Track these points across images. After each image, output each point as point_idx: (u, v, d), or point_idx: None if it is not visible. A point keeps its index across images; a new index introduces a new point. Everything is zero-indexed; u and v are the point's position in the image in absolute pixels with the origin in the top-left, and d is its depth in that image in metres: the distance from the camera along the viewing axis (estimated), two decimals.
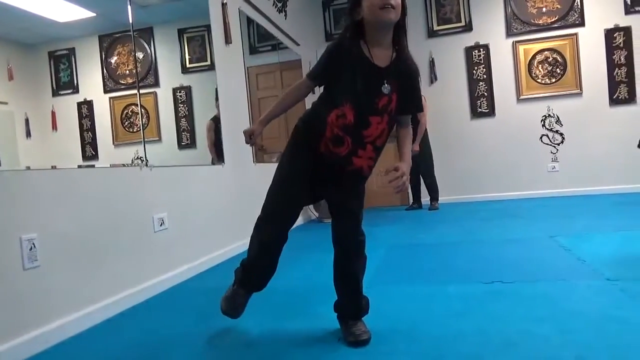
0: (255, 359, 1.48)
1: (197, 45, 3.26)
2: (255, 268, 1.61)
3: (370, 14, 1.37)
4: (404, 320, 1.70)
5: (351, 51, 1.43)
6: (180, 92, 3.05)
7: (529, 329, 1.51)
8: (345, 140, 1.46)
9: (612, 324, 1.49)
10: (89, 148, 2.31)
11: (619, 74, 5.23)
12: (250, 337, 1.66)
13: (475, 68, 5.57)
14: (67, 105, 2.26)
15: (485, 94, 5.55)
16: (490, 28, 5.54)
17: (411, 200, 5.41)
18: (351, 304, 1.59)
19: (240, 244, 3.34)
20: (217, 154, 3.25)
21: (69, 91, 2.27)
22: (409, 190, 5.27)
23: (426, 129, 5.06)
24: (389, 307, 1.84)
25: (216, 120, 3.22)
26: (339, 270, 1.60)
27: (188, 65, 3.22)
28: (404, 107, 1.50)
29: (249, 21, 3.99)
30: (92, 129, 2.34)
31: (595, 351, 1.31)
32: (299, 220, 4.85)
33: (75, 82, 2.28)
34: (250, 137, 1.57)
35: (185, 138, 3.07)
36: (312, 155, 1.51)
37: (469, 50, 5.58)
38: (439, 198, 5.21)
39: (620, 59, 5.21)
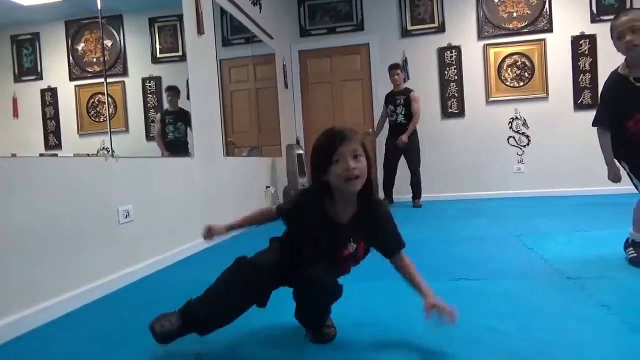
0: (217, 356, 1.45)
1: (168, 35, 3.19)
2: (219, 300, 1.37)
3: (337, 183, 1.35)
4: (371, 316, 1.71)
5: (316, 207, 1.41)
6: (149, 83, 2.98)
7: (492, 324, 1.54)
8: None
9: (571, 321, 1.54)
10: (52, 137, 2.23)
11: (583, 79, 5.40)
12: (214, 333, 1.63)
13: (447, 69, 5.65)
14: (30, 92, 2.18)
15: (456, 94, 5.64)
16: (462, 30, 5.63)
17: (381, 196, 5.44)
18: (315, 322, 1.53)
19: None
20: (165, 147, 3.08)
21: (32, 77, 2.18)
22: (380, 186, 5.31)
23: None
24: (356, 303, 1.85)
25: (163, 113, 3.08)
26: (306, 305, 1.49)
27: (158, 55, 3.15)
28: (385, 250, 1.50)
29: (223, 12, 3.93)
30: (56, 117, 2.25)
31: (554, 347, 1.35)
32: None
33: (39, 68, 2.20)
34: (209, 231, 1.52)
35: (154, 129, 3.01)
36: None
37: (441, 51, 5.65)
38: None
39: (585, 66, 5.38)
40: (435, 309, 1.32)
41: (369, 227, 1.45)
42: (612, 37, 2.06)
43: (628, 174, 2.18)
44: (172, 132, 3.14)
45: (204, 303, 1.37)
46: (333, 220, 1.42)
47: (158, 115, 3.05)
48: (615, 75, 2.09)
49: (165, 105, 3.12)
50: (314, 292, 1.41)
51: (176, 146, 3.18)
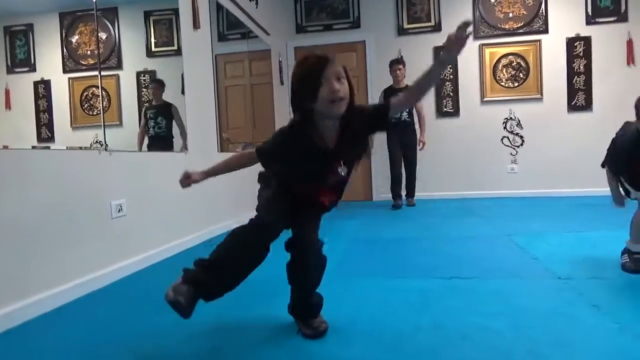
0: (210, 350, 1.45)
1: (163, 28, 3.17)
2: (224, 266, 1.38)
3: (322, 107, 1.34)
4: (363, 313, 1.72)
5: (301, 139, 1.41)
6: (144, 76, 2.96)
7: (484, 323, 1.55)
8: (312, 192, 1.49)
9: (562, 320, 1.55)
10: (45, 129, 2.21)
11: (577, 81, 5.43)
12: (208, 327, 1.63)
13: None
14: (23, 84, 2.16)
15: (451, 94, 5.66)
16: None
17: (377, 196, 5.45)
18: (306, 306, 1.56)
19: (200, 234, 3.30)
20: (147, 143, 2.96)
21: (25, 69, 2.16)
22: (391, 187, 5.15)
23: None
24: (349, 301, 1.85)
25: (146, 107, 2.96)
26: (297, 274, 1.54)
27: (154, 49, 3.13)
28: (379, 128, 1.49)
29: (219, 7, 3.91)
30: (49, 109, 2.24)
31: (545, 346, 1.36)
32: None
33: (33, 60, 2.18)
34: (187, 178, 1.56)
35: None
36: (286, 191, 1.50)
37: (437, 50, 5.66)
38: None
39: (579, 67, 5.41)
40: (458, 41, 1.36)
41: (357, 138, 1.45)
42: None
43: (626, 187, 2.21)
44: (152, 128, 3.00)
45: (214, 272, 1.37)
46: (321, 147, 1.41)
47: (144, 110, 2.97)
48: (636, 132, 2.10)
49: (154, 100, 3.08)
50: (303, 253, 1.48)
51: (157, 142, 3.01)
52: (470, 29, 1.33)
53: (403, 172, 5.10)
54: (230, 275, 1.39)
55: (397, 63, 5.02)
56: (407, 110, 4.91)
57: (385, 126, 1.48)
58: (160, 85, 3.06)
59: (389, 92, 5.03)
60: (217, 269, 1.37)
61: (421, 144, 4.97)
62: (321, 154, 1.42)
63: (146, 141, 2.96)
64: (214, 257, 1.38)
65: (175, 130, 3.21)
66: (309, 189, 1.49)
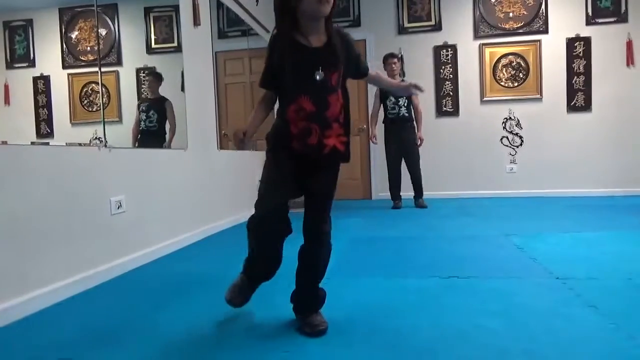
0: (208, 348, 1.46)
1: (163, 25, 3.17)
2: (258, 258, 1.61)
3: (308, 7, 1.41)
4: (362, 312, 1.72)
5: (289, 43, 1.48)
6: (144, 73, 2.96)
7: (481, 322, 1.55)
8: (312, 128, 1.47)
9: (559, 320, 1.56)
10: (44, 125, 2.21)
11: (577, 82, 5.43)
12: (204, 326, 1.64)
13: (443, 67, 5.66)
14: (22, 79, 2.15)
15: (451, 93, 5.66)
16: (458, 29, 5.63)
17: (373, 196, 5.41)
18: (309, 295, 1.60)
19: (199, 230, 3.30)
20: (136, 138, 2.83)
21: (25, 64, 2.16)
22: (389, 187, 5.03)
23: None
24: (348, 299, 1.86)
25: (140, 101, 2.87)
26: (303, 259, 1.59)
27: (153, 45, 3.12)
28: (353, 73, 1.61)
29: (219, 4, 3.91)
30: (48, 105, 2.23)
31: (542, 345, 1.37)
32: None
33: (32, 55, 2.17)
34: (243, 136, 1.51)
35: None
36: (290, 154, 1.51)
37: (437, 50, 5.66)
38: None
39: (579, 68, 5.41)
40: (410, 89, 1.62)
41: (343, 51, 1.52)
42: None
43: None
44: (143, 122, 2.89)
45: (255, 264, 1.63)
46: (309, 47, 1.47)
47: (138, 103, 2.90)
48: None
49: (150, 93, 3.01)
50: (313, 241, 1.57)
51: (147, 137, 2.90)
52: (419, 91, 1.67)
53: (403, 172, 4.96)
54: (267, 261, 1.60)
55: (391, 57, 4.85)
56: (406, 104, 4.79)
57: (358, 74, 1.65)
58: (157, 78, 3.00)
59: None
60: (258, 261, 1.62)
61: (419, 140, 4.83)
62: (306, 52, 1.47)
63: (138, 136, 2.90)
64: (249, 254, 1.63)
65: (169, 126, 3.13)
66: (304, 107, 1.48)
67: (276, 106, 1.61)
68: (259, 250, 1.58)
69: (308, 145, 1.48)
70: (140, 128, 2.86)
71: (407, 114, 4.82)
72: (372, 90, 5.78)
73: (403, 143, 4.85)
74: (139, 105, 2.84)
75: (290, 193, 1.55)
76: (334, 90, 1.50)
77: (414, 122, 4.87)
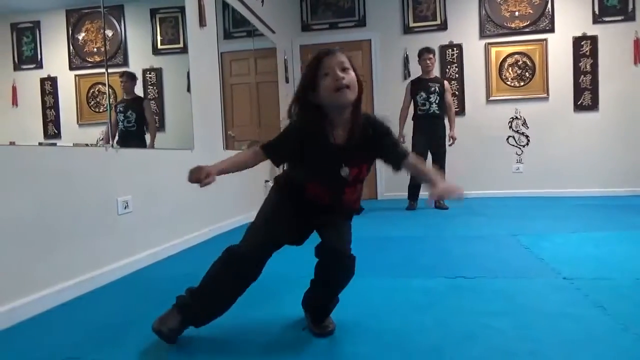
0: (216, 348, 1.46)
1: (169, 26, 3.18)
2: (213, 295, 1.44)
3: (327, 97, 1.33)
4: (368, 312, 1.72)
5: (311, 133, 1.38)
6: (150, 74, 2.97)
7: (487, 323, 1.55)
8: (325, 197, 1.45)
9: (565, 321, 1.55)
10: (52, 126, 2.23)
11: (584, 81, 5.40)
12: (212, 325, 1.64)
13: (448, 67, 5.65)
14: (30, 81, 2.17)
15: (457, 93, 5.64)
16: (464, 28, 5.62)
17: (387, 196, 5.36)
18: (324, 307, 1.56)
19: (206, 230, 3.31)
20: (116, 139, 2.64)
21: (32, 66, 2.18)
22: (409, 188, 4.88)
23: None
24: (354, 299, 1.85)
25: (118, 101, 2.73)
26: (322, 277, 1.52)
27: (160, 46, 3.14)
28: (394, 162, 1.46)
29: (225, 5, 3.92)
30: (56, 106, 2.25)
31: (548, 346, 1.36)
32: None
33: (39, 57, 2.19)
34: (200, 171, 1.36)
35: (154, 121, 3.00)
36: (296, 199, 1.46)
37: (443, 49, 5.65)
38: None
39: (586, 67, 5.38)
40: (441, 196, 1.31)
41: (371, 144, 1.41)
42: None
43: None
44: (121, 122, 2.78)
45: (199, 299, 1.43)
46: (330, 142, 1.39)
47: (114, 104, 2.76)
48: None
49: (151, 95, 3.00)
50: (332, 262, 1.45)
51: (126, 138, 2.75)
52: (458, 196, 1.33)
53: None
54: (216, 303, 1.45)
55: (427, 52, 4.70)
56: (438, 101, 4.65)
57: (393, 167, 1.47)
58: (130, 78, 2.86)
59: (417, 84, 4.77)
60: (204, 297, 1.43)
61: (451, 139, 4.71)
62: (329, 148, 1.39)
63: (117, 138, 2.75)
64: (201, 286, 1.45)
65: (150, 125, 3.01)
66: (318, 191, 1.44)
67: None
68: (218, 286, 1.43)
69: (319, 202, 1.46)
70: (119, 129, 2.77)
71: (438, 111, 4.68)
72: (379, 91, 5.77)
73: (432, 139, 4.68)
74: (115, 106, 2.73)
75: (284, 238, 1.48)
76: (353, 184, 1.45)
77: (444, 121, 4.75)
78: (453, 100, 5.56)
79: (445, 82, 4.83)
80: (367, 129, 1.40)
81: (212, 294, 1.44)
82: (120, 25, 2.67)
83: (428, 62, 4.69)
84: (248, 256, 1.41)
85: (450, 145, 4.75)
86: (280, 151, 1.43)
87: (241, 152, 1.48)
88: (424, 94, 4.68)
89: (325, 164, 1.40)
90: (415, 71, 5.55)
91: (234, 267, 1.41)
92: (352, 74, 1.34)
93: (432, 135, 4.67)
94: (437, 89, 4.66)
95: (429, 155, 4.78)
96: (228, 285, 1.43)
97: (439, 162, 4.75)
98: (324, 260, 1.47)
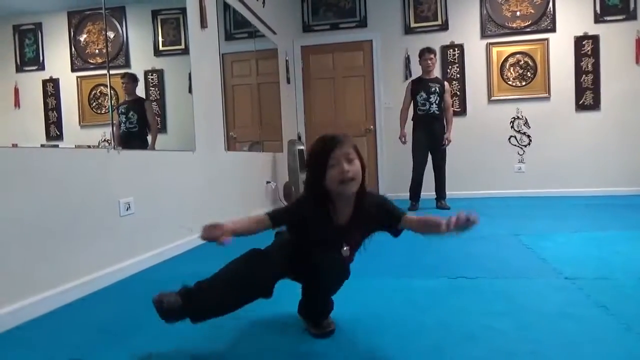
0: (217, 347, 1.46)
1: (171, 28, 3.19)
2: (219, 289, 1.36)
3: (332, 187, 1.38)
4: (369, 312, 1.72)
5: (315, 213, 1.43)
6: (152, 75, 2.98)
7: (489, 323, 1.55)
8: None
9: (567, 321, 1.54)
10: (54, 128, 2.24)
11: (585, 80, 5.39)
12: (213, 324, 1.64)
13: (450, 67, 5.65)
14: (32, 82, 2.18)
15: (458, 93, 5.64)
16: (465, 28, 5.62)
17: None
18: (319, 309, 1.57)
19: None
20: (118, 141, 2.61)
21: (34, 68, 2.18)
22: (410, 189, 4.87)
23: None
24: (355, 299, 1.85)
25: (119, 103, 2.74)
26: (314, 295, 1.55)
27: (161, 48, 3.15)
28: (391, 230, 1.52)
29: (226, 6, 3.93)
30: (58, 108, 2.26)
31: (550, 347, 1.36)
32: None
33: (41, 58, 2.20)
34: (216, 228, 1.31)
35: (156, 122, 3.01)
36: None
37: (444, 49, 5.64)
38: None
39: (587, 66, 5.38)
40: (455, 227, 1.32)
41: (367, 223, 1.48)
42: None
43: None
44: (123, 124, 2.80)
45: (206, 290, 1.35)
46: (334, 222, 1.45)
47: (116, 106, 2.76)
48: None
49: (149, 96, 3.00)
50: (324, 270, 1.44)
51: (128, 139, 2.79)
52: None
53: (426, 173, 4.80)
54: (222, 298, 1.37)
55: (428, 52, 4.70)
56: (437, 102, 4.65)
57: (393, 234, 1.53)
58: (132, 79, 2.86)
59: (417, 84, 4.76)
60: (212, 289, 1.36)
61: (446, 140, 4.70)
62: (332, 229, 1.44)
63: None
64: (213, 277, 1.38)
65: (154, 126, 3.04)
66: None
67: None
68: (230, 280, 1.37)
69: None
70: (121, 130, 2.78)
71: (437, 112, 4.67)
72: (380, 91, 5.77)
73: (432, 139, 4.68)
74: (117, 108, 2.74)
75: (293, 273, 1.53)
76: (351, 260, 1.53)
77: (443, 122, 4.75)
78: (455, 100, 5.57)
79: (446, 83, 4.83)
80: (371, 209, 1.46)
81: (222, 287, 1.36)
82: (121, 27, 2.68)
83: (429, 62, 4.70)
84: (272, 258, 1.42)
85: (443, 146, 4.73)
86: (283, 222, 1.47)
87: (251, 217, 1.46)
88: (424, 94, 4.68)
89: (326, 243, 1.45)
90: (417, 71, 5.54)
91: (256, 263, 1.38)
92: (357, 164, 1.39)
93: (431, 135, 4.68)
94: (437, 90, 4.67)
95: (429, 156, 4.79)
96: (241, 282, 1.37)
97: (439, 162, 4.78)
98: (317, 265, 1.44)
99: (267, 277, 1.40)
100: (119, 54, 2.67)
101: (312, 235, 1.44)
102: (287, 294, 1.71)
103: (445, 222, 1.33)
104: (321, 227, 1.44)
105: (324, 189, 1.40)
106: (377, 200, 1.50)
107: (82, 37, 2.40)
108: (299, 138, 5.80)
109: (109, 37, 2.51)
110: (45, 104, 2.22)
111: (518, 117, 5.57)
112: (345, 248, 1.47)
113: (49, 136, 2.20)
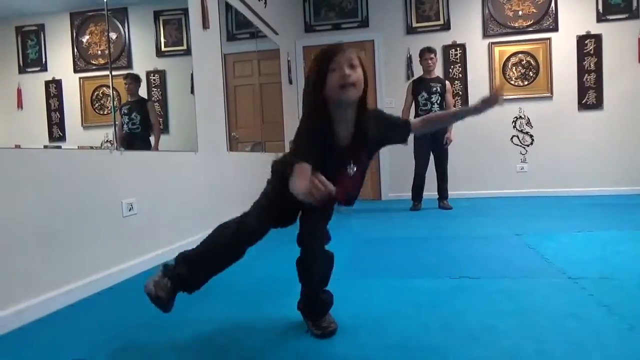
0: (221, 348, 1.46)
1: (173, 28, 3.19)
2: (209, 261, 1.47)
3: (332, 93, 1.34)
4: (371, 313, 1.72)
5: (317, 130, 1.39)
6: (154, 76, 2.98)
7: (492, 323, 1.54)
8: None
9: (571, 321, 1.54)
10: (56, 129, 2.24)
11: (588, 79, 5.38)
12: (217, 326, 1.65)
13: (452, 67, 5.64)
14: (35, 84, 2.18)
15: (460, 92, 5.63)
16: (467, 28, 5.61)
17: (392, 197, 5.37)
18: (314, 303, 1.57)
19: (210, 231, 3.31)
20: (121, 142, 2.61)
21: (37, 69, 2.19)
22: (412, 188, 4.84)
23: None
24: (357, 300, 1.85)
25: (122, 104, 2.74)
26: (304, 270, 1.55)
27: (163, 48, 3.15)
28: (397, 141, 1.54)
29: (228, 7, 3.93)
30: (60, 109, 2.26)
31: (553, 346, 1.36)
32: None
33: (44, 59, 2.20)
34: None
35: (158, 122, 3.01)
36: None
37: (446, 49, 5.64)
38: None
39: (590, 65, 5.36)
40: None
41: (371, 142, 1.46)
42: None
43: None
44: (126, 124, 2.80)
45: (195, 265, 1.46)
46: (335, 142, 1.41)
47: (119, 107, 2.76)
48: None
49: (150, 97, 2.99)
50: (309, 264, 1.52)
51: (131, 140, 2.78)
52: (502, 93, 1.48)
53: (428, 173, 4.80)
54: (208, 271, 1.48)
55: (428, 51, 4.70)
56: (439, 101, 4.64)
57: (404, 141, 1.55)
58: (135, 80, 2.86)
59: (418, 84, 4.75)
60: (197, 265, 1.46)
61: (447, 140, 4.67)
62: (334, 147, 1.40)
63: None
64: (195, 253, 1.48)
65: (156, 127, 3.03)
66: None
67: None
68: (219, 253, 1.47)
69: None
70: (123, 131, 2.77)
71: (439, 111, 4.60)
72: (383, 91, 5.77)
73: (434, 140, 4.65)
74: (120, 108, 2.74)
75: (283, 221, 1.55)
76: (357, 178, 1.48)
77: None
78: (457, 100, 5.56)
79: (447, 83, 4.81)
80: (371, 124, 1.43)
81: (210, 260, 1.47)
82: (124, 28, 2.68)
83: (429, 61, 4.69)
84: (258, 231, 1.46)
85: (445, 146, 4.71)
86: (313, 155, 1.36)
87: (299, 172, 1.33)
88: (425, 94, 4.68)
89: (332, 164, 1.41)
90: (419, 71, 5.54)
91: (243, 238, 1.45)
92: (360, 71, 1.35)
93: (433, 135, 4.63)
94: (438, 89, 4.66)
95: (431, 156, 4.78)
96: (229, 254, 1.48)
97: (441, 162, 4.77)
98: (303, 248, 1.53)
99: (250, 246, 1.48)
100: (121, 55, 2.67)
101: (320, 153, 1.39)
102: (289, 295, 1.71)
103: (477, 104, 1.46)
104: (325, 147, 1.38)
105: (324, 102, 1.36)
106: (374, 114, 1.48)
107: (85, 38, 2.41)
108: None
109: (111, 38, 2.51)
110: (48, 105, 2.22)
111: (520, 117, 5.56)
112: (351, 167, 1.43)
113: (51, 137, 2.21)
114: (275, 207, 1.49)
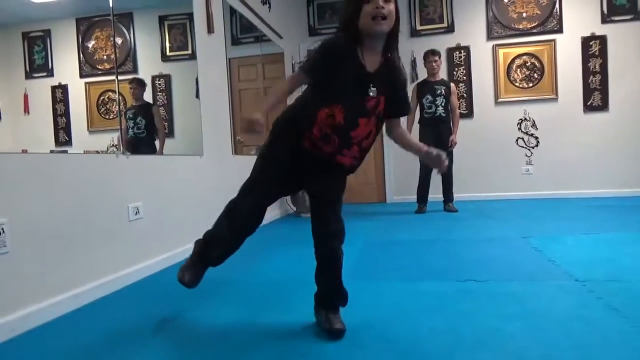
0: (228, 351, 1.46)
1: (178, 33, 3.21)
2: (221, 242, 1.68)
3: (364, 23, 1.42)
4: (378, 316, 1.71)
5: (346, 53, 1.46)
6: (159, 80, 3.00)
7: (499, 327, 1.54)
8: (332, 139, 1.48)
9: (578, 324, 1.53)
10: (63, 133, 2.25)
11: (593, 81, 5.36)
12: (223, 329, 1.65)
13: (456, 69, 5.64)
14: (41, 89, 2.20)
15: (465, 95, 5.62)
16: (471, 30, 5.60)
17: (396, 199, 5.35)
18: (332, 295, 1.60)
19: None
20: (126, 146, 2.59)
21: (43, 74, 2.21)
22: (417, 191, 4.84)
23: None
24: (363, 303, 1.85)
25: (127, 108, 2.73)
26: (320, 261, 1.59)
27: (168, 53, 3.16)
28: (392, 110, 1.57)
29: (232, 11, 3.95)
30: (67, 114, 2.27)
31: (560, 349, 1.35)
32: (276, 214, 4.84)
33: (50, 65, 2.22)
34: (258, 124, 1.38)
35: (163, 127, 3.02)
36: (293, 150, 1.53)
37: (450, 51, 5.63)
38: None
39: (595, 67, 5.34)
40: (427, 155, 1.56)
41: (391, 83, 1.52)
42: None
43: None
44: (131, 129, 2.79)
45: (215, 248, 1.69)
46: (363, 65, 1.47)
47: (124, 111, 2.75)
48: None
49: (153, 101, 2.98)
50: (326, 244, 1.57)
51: (136, 144, 2.78)
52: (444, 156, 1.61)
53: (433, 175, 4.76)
54: (224, 249, 1.69)
55: (432, 54, 4.67)
56: (444, 104, 4.62)
57: (394, 115, 1.61)
58: (140, 84, 2.87)
59: (422, 87, 4.74)
60: (214, 246, 1.69)
61: (452, 143, 4.64)
62: (361, 72, 1.47)
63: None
64: (210, 236, 1.71)
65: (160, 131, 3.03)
66: (328, 123, 1.48)
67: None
68: (229, 237, 1.65)
69: (320, 151, 1.50)
70: (129, 135, 2.77)
71: (444, 114, 4.63)
72: None
73: (438, 142, 4.52)
74: (125, 113, 2.73)
75: (281, 193, 1.67)
76: (368, 115, 1.50)
77: (450, 124, 4.70)
78: (461, 102, 5.55)
79: (452, 85, 4.79)
80: (396, 70, 1.53)
81: (226, 243, 1.67)
82: (129, 33, 2.70)
83: (433, 64, 4.67)
84: (250, 214, 1.60)
85: (450, 148, 4.67)
86: (317, 67, 1.49)
87: (280, 83, 1.58)
88: (430, 97, 4.65)
89: (353, 86, 1.47)
90: (423, 74, 5.53)
91: (238, 222, 1.61)
92: (392, 7, 1.43)
93: (438, 137, 4.62)
94: (443, 92, 4.64)
95: None
96: (239, 236, 1.65)
97: (449, 178, 4.77)
98: (319, 242, 1.57)
99: (256, 224, 1.63)
100: (127, 60, 2.68)
101: (339, 78, 1.46)
102: (294, 299, 1.71)
103: (426, 149, 1.57)
104: (349, 69, 1.45)
105: (357, 28, 1.43)
106: (401, 69, 1.55)
107: (91, 44, 2.43)
108: None
109: (117, 43, 2.53)
110: (54, 110, 2.24)
111: (525, 119, 5.54)
112: (373, 89, 1.48)
113: (58, 142, 2.22)
114: (272, 180, 1.58)
